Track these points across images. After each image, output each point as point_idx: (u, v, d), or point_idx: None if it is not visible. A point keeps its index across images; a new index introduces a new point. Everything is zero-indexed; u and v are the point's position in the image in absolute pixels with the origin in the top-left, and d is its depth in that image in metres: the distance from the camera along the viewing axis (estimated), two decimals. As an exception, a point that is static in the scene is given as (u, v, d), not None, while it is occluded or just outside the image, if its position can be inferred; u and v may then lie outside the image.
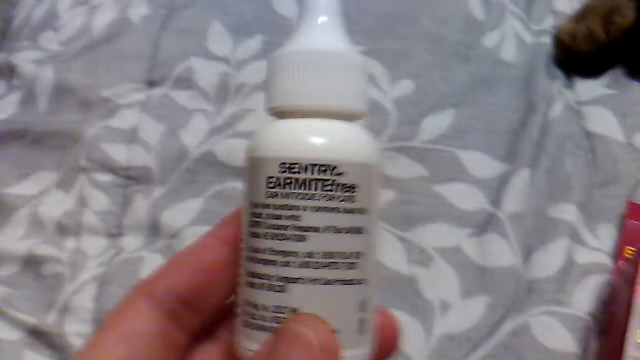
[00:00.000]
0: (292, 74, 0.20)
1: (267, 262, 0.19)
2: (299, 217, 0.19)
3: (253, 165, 0.20)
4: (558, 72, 0.47)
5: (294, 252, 0.19)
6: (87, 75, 0.49)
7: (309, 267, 0.19)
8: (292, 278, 0.19)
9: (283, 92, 0.20)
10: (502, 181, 0.42)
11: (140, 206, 0.42)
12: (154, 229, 0.42)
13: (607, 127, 0.44)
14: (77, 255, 0.41)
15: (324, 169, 0.19)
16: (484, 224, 0.41)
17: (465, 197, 0.42)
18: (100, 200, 0.43)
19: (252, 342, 0.20)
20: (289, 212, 0.19)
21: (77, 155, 0.45)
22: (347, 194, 0.20)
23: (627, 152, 0.43)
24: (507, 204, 0.41)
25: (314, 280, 0.19)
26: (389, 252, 0.41)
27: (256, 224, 0.20)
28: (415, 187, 0.43)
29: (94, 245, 0.41)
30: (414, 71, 0.47)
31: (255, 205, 0.20)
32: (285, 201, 0.19)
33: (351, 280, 0.20)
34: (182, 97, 0.47)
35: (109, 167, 0.44)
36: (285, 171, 0.19)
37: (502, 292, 0.38)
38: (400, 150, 0.44)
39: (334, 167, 0.19)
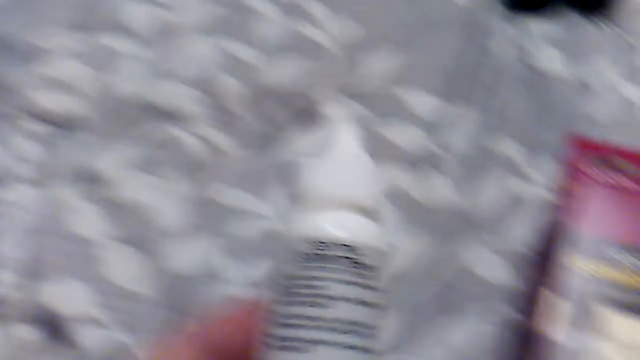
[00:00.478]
0: (327, 174, 0.24)
1: (298, 327, 0.22)
2: (329, 287, 0.22)
3: (291, 242, 0.23)
4: (501, 8, 0.47)
5: (323, 318, 0.22)
6: (11, 20, 0.46)
7: (335, 332, 0.22)
8: (320, 341, 0.22)
9: (318, 187, 0.24)
10: (442, 117, 0.42)
11: (69, 153, 0.41)
12: (84, 176, 0.40)
13: (549, 61, 0.44)
14: (4, 204, 0.39)
15: (351, 248, 0.23)
16: (423, 161, 0.40)
17: (406, 136, 0.41)
18: (27, 148, 0.41)
19: None
20: (320, 283, 0.22)
21: (1, 102, 0.43)
22: (368, 272, 0.23)
23: (568, 85, 0.43)
24: (446, 140, 0.41)
25: (339, 345, 0.22)
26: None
27: (289, 293, 0.23)
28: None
29: (21, 193, 0.40)
30: (358, 12, 0.46)
31: (288, 277, 0.23)
32: (317, 273, 0.23)
33: (370, 349, 0.22)
34: (113, 41, 0.45)
35: (37, 114, 0.42)
36: (317, 248, 0.23)
37: (441, 228, 0.38)
38: (342, 91, 0.43)
39: (359, 249, 0.23)
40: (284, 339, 0.22)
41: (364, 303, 0.23)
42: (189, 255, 0.37)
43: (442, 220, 0.38)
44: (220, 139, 0.41)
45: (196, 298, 0.36)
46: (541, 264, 0.34)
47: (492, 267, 0.36)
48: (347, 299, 0.22)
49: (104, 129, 0.42)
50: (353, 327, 0.22)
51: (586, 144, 0.33)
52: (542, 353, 0.26)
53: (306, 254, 0.23)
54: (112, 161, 0.40)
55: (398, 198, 0.39)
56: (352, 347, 0.22)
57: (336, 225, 0.23)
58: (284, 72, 0.43)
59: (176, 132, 0.41)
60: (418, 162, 0.40)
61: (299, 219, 0.24)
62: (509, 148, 0.40)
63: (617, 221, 0.29)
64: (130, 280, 0.36)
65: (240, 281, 0.37)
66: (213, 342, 0.24)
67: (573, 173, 0.31)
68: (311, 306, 0.22)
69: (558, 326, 0.26)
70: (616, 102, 0.43)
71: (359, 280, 0.23)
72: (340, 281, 0.22)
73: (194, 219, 0.39)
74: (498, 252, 0.36)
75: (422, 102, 0.43)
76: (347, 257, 0.23)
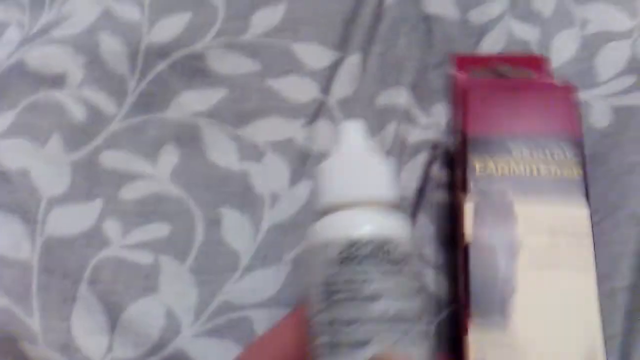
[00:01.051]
0: (341, 176, 0.25)
1: (349, 326, 0.22)
2: (370, 283, 0.23)
3: (320, 250, 0.24)
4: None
5: (370, 313, 0.22)
6: None
7: (387, 323, 0.22)
8: (374, 336, 0.22)
9: (339, 190, 0.25)
10: (333, 68, 0.41)
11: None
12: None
13: (443, 6, 0.43)
14: None
15: (386, 242, 0.23)
16: (315, 113, 0.39)
17: (299, 89, 0.41)
18: None
19: None
20: (362, 280, 0.23)
21: None
22: (403, 262, 0.24)
23: (463, 30, 0.43)
24: (336, 90, 0.40)
25: (390, 334, 0.22)
26: (222, 151, 0.39)
27: (330, 296, 0.23)
28: (247, 83, 0.41)
29: None
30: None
31: (326, 283, 0.23)
32: (357, 272, 0.23)
33: (425, 332, 0.23)
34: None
35: None
36: (354, 248, 0.23)
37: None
38: (230, 46, 0.42)
39: (393, 240, 0.24)
40: (337, 344, 0.22)
41: (404, 292, 0.23)
42: (74, 220, 0.36)
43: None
44: (106, 102, 0.40)
45: (82, 262, 0.35)
46: (456, 177, 0.34)
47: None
48: (388, 293, 0.23)
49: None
50: (398, 318, 0.23)
51: (467, 59, 0.37)
52: (467, 254, 0.27)
53: (338, 257, 0.23)
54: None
55: (290, 151, 0.38)
56: (401, 338, 0.22)
57: (362, 224, 0.24)
58: (168, 29, 0.42)
59: (59, 96, 0.40)
60: (311, 115, 0.39)
61: (324, 224, 0.25)
62: (403, 97, 0.39)
63: (508, 118, 0.30)
64: (12, 248, 0.35)
65: (127, 243, 0.36)
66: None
67: (459, 86, 0.32)
68: (355, 307, 0.22)
69: (474, 226, 0.28)
70: (511, 44, 0.43)
71: (395, 271, 0.23)
72: (377, 277, 0.23)
73: (79, 184, 0.37)
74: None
75: (317, 54, 0.42)
76: (379, 253, 0.23)
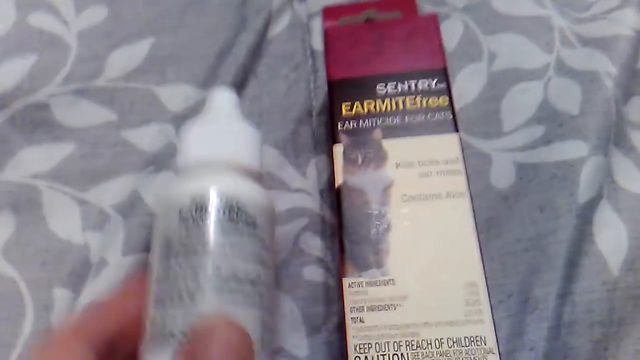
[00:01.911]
0: (198, 138, 0.26)
1: (176, 278, 0.22)
2: (208, 242, 0.23)
3: (166, 205, 0.24)
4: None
5: (204, 270, 0.22)
6: None
7: (216, 283, 0.22)
8: (200, 291, 0.22)
9: (194, 151, 0.25)
10: (193, 110, 0.35)
11: None
12: None
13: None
14: None
15: (230, 203, 0.24)
16: (165, 160, 0.34)
17: (157, 139, 0.35)
18: None
19: (157, 354, 0.22)
20: (199, 239, 0.23)
21: None
22: (249, 226, 0.24)
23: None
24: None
25: (220, 296, 0.22)
26: (64, 219, 0.33)
27: (170, 252, 0.23)
28: (99, 136, 0.35)
29: None
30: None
31: (168, 237, 0.23)
32: (196, 230, 0.23)
33: (253, 299, 0.23)
34: None
35: None
36: (197, 205, 0.23)
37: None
38: (81, 92, 0.36)
39: (239, 203, 0.24)
40: (166, 292, 0.22)
41: (243, 255, 0.23)
42: None
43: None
44: None
45: None
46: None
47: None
48: (226, 252, 0.23)
49: None
50: (234, 279, 0.22)
51: (336, 9, 0.37)
52: (339, 198, 0.27)
53: (184, 211, 0.23)
54: None
55: (134, 213, 0.33)
56: (233, 300, 0.22)
57: (209, 184, 0.24)
58: (7, 76, 0.36)
59: None
60: (161, 162, 0.34)
61: (174, 183, 0.25)
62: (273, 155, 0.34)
63: (372, 59, 0.30)
64: None
65: None
66: (100, 330, 0.23)
67: (326, 38, 0.32)
68: (190, 260, 0.22)
69: (344, 168, 0.27)
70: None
71: (238, 233, 0.23)
72: (218, 235, 0.23)
73: None
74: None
75: (183, 97, 0.36)
76: (224, 211, 0.23)
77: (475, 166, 0.33)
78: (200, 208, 0.23)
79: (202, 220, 0.23)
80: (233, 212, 0.24)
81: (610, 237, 0.31)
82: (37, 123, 0.35)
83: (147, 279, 0.24)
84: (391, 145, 0.28)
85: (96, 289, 0.30)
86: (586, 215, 0.31)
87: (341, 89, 0.29)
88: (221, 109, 0.27)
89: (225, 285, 0.22)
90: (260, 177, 0.26)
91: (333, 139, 0.28)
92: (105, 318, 0.24)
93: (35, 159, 0.35)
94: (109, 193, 0.34)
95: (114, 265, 0.31)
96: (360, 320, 0.25)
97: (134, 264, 0.31)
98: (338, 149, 0.28)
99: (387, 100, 0.29)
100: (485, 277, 0.25)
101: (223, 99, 0.27)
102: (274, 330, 0.25)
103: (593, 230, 0.31)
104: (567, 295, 0.29)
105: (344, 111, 0.29)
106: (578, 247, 0.30)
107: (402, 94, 0.29)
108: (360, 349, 0.24)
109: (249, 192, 0.24)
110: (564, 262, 0.30)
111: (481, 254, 0.25)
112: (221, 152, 0.25)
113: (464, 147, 0.34)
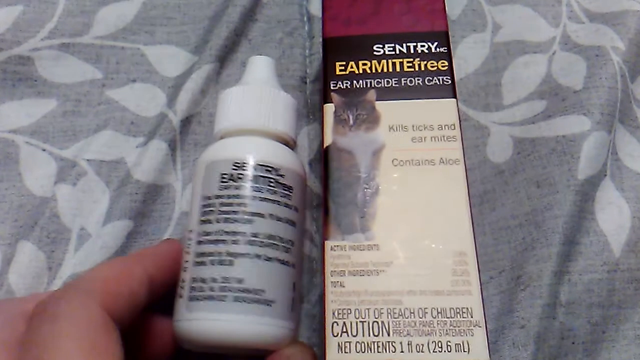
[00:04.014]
0: (236, 105, 0.26)
1: (217, 242, 0.24)
2: (247, 204, 0.24)
3: (207, 168, 0.25)
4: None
5: (242, 232, 0.23)
6: None
7: (254, 245, 0.23)
8: (239, 253, 0.23)
9: (235, 117, 0.26)
10: (183, 76, 0.34)
11: None
12: None
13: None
14: None
15: (269, 169, 0.25)
16: (154, 130, 0.32)
17: (145, 101, 0.33)
18: None
19: (199, 312, 0.23)
20: (239, 200, 0.24)
21: None
22: (285, 191, 0.25)
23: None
24: (180, 105, 0.33)
25: (257, 257, 0.23)
26: (40, 174, 0.32)
27: (209, 212, 0.24)
28: (83, 94, 0.34)
29: None
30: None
31: (208, 198, 0.24)
32: (236, 192, 0.24)
33: (287, 262, 0.24)
34: None
35: None
36: (237, 169, 0.24)
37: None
38: (66, 47, 0.35)
39: (277, 169, 0.25)
40: (205, 254, 0.24)
41: (279, 219, 0.24)
42: None
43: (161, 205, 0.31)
44: None
45: None
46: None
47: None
48: (264, 215, 0.24)
49: None
50: (270, 240, 0.24)
51: None
52: (327, 157, 0.26)
53: (225, 174, 0.24)
54: None
55: (116, 176, 0.31)
56: (269, 259, 0.23)
57: (247, 149, 0.25)
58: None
59: None
60: (149, 133, 0.32)
61: (213, 147, 0.26)
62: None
63: (370, 18, 0.29)
64: None
65: None
66: (154, 265, 0.23)
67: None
68: (230, 222, 0.23)
69: (334, 128, 0.26)
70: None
71: (275, 198, 0.24)
72: (256, 198, 0.24)
73: None
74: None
75: (173, 60, 0.35)
76: (263, 176, 0.24)
77: (472, 138, 0.32)
78: (241, 173, 0.24)
79: (243, 185, 0.24)
80: (272, 178, 0.25)
81: (612, 217, 0.29)
82: (19, 77, 0.34)
83: (181, 242, 0.25)
84: (385, 107, 0.26)
85: (78, 261, 0.29)
86: (587, 192, 0.29)
87: (336, 48, 0.28)
88: (259, 76, 0.28)
89: (262, 249, 0.23)
90: (295, 144, 0.28)
91: (324, 98, 0.27)
92: (127, 276, 0.22)
93: (15, 114, 0.33)
94: (88, 149, 0.32)
95: (96, 236, 0.29)
96: (341, 285, 0.23)
97: (117, 234, 0.29)
98: (329, 109, 0.27)
99: (383, 62, 0.28)
100: (476, 248, 0.24)
101: (261, 66, 0.28)
102: (301, 291, 0.27)
103: (594, 208, 0.29)
104: (564, 274, 0.28)
105: (337, 70, 0.27)
106: (577, 225, 0.29)
107: (400, 55, 0.28)
108: (338, 314, 0.23)
109: (286, 159, 0.26)
110: (561, 239, 0.28)
111: (472, 224, 0.24)
112: (260, 119, 0.26)
113: (461, 118, 0.32)
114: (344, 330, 0.22)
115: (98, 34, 0.35)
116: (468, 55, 0.34)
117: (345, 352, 0.22)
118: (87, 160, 0.32)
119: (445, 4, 0.29)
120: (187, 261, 0.24)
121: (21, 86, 0.34)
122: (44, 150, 0.32)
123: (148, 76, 0.34)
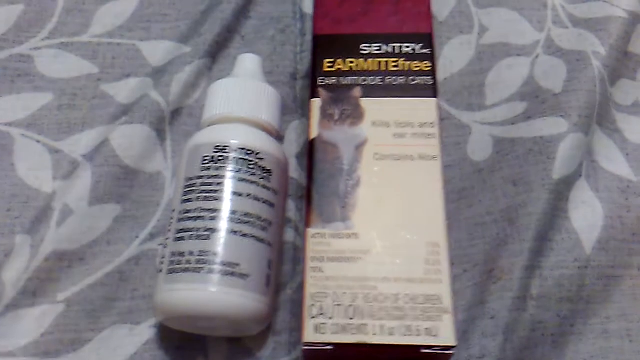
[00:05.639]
0: (222, 96, 0.29)
1: (197, 218, 0.25)
2: (225, 184, 0.26)
3: (191, 152, 0.27)
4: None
5: (220, 209, 0.25)
6: None
7: (231, 221, 0.25)
8: (216, 229, 0.25)
9: (220, 107, 0.28)
10: (176, 70, 0.35)
11: None
12: None
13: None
14: None
15: (249, 152, 0.27)
16: (144, 116, 0.33)
17: (136, 92, 0.34)
18: None
19: (176, 284, 0.25)
20: (218, 180, 0.26)
21: None
22: (265, 174, 0.27)
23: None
24: (172, 96, 0.34)
25: (234, 232, 0.25)
26: (35, 167, 0.33)
27: (190, 192, 0.26)
28: (78, 88, 0.35)
29: None
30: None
31: (190, 179, 0.26)
32: (216, 172, 0.26)
33: (263, 239, 0.26)
34: None
35: None
36: (218, 151, 0.26)
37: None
38: (65, 46, 0.36)
39: (257, 153, 0.27)
40: (184, 230, 0.25)
41: (257, 199, 0.26)
42: None
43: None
44: None
45: None
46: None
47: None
48: (242, 194, 0.26)
49: None
50: (247, 218, 0.25)
51: None
52: (311, 149, 0.27)
53: (206, 156, 0.26)
54: None
55: (105, 163, 0.32)
56: (245, 235, 0.25)
57: (234, 134, 0.27)
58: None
59: None
60: (135, 115, 0.33)
61: (199, 134, 0.28)
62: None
63: (359, 17, 0.30)
64: None
65: None
66: None
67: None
68: (209, 200, 0.25)
69: (320, 121, 0.27)
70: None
71: (254, 179, 0.26)
72: (235, 178, 0.26)
73: None
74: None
75: (166, 53, 0.36)
76: (243, 159, 0.26)
77: (454, 137, 0.33)
78: (221, 155, 0.26)
79: (223, 167, 0.26)
80: (251, 160, 0.26)
81: (585, 215, 0.30)
82: (18, 73, 0.35)
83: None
84: (369, 104, 0.28)
85: (59, 237, 0.30)
86: (561, 192, 0.30)
87: (325, 45, 0.29)
88: (246, 71, 0.30)
89: (238, 225, 0.25)
90: (278, 134, 0.29)
91: (312, 93, 0.28)
92: None
93: (11, 108, 0.34)
94: (82, 143, 0.33)
95: (80, 215, 0.30)
96: (320, 270, 0.24)
97: (100, 214, 0.30)
98: (316, 104, 0.28)
99: (369, 60, 0.29)
100: (449, 239, 0.25)
101: (249, 62, 0.30)
102: (279, 272, 0.28)
103: (568, 207, 0.30)
104: (535, 269, 0.29)
105: (325, 67, 0.29)
106: (550, 222, 0.30)
107: (386, 55, 0.29)
108: (317, 297, 0.24)
109: (266, 144, 0.27)
110: (534, 235, 0.29)
111: (446, 217, 0.25)
112: (243, 109, 0.28)
113: (444, 117, 0.33)
114: (321, 312, 0.24)
115: (96, 32, 0.36)
116: (454, 56, 0.35)
117: (321, 332, 0.23)
118: (82, 155, 0.33)
119: (432, 7, 0.30)
120: (167, 238, 0.26)
121: (20, 81, 0.35)
122: (38, 142, 0.33)
123: (141, 69, 0.35)
